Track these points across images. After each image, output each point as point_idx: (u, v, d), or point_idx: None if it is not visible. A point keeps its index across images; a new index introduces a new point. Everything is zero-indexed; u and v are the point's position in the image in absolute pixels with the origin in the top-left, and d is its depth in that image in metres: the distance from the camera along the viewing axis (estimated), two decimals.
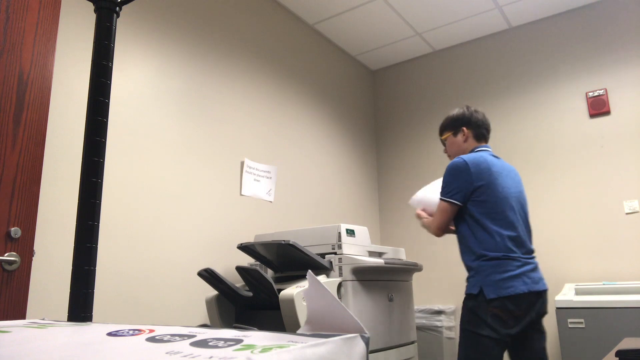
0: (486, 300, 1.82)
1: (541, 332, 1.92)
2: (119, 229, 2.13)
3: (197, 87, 2.66)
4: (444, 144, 2.26)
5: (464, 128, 2.18)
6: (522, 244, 1.92)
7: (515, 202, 2.03)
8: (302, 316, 1.90)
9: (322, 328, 0.37)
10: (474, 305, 1.86)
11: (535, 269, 1.90)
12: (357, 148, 4.02)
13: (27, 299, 1.48)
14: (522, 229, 1.97)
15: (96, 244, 0.73)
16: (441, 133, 2.27)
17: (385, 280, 2.40)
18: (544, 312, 1.90)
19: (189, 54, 2.64)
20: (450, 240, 3.79)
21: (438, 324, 3.34)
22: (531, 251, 1.96)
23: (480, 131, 2.18)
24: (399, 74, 4.31)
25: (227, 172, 2.74)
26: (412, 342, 2.56)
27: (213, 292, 2.27)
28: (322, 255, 2.24)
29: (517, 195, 2.07)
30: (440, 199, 2.00)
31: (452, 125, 2.22)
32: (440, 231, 2.03)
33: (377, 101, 4.41)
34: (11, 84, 1.49)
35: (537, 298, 1.85)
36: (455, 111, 2.25)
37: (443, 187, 2.02)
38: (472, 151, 2.12)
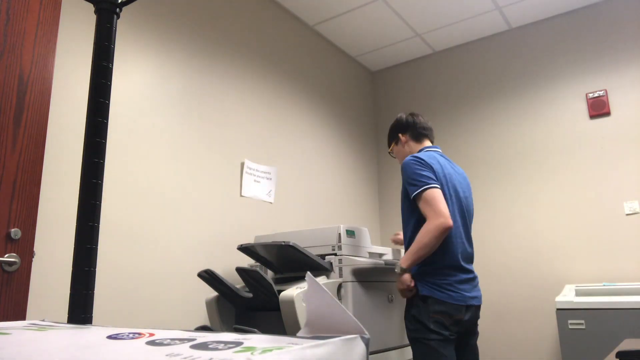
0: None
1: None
2: (119, 230, 2.13)
3: (197, 88, 2.66)
4: (395, 157, 2.30)
5: (400, 135, 2.20)
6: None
7: (465, 206, 2.02)
8: (302, 317, 1.90)
9: (322, 329, 0.37)
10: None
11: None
12: (357, 149, 4.02)
13: (27, 300, 1.48)
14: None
15: (96, 245, 0.73)
16: (389, 147, 2.29)
17: (385, 281, 2.40)
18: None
19: (189, 55, 2.64)
20: None
21: None
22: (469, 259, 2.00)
23: (417, 131, 2.16)
24: (399, 75, 4.31)
25: (227, 173, 2.74)
26: None
27: (213, 293, 2.27)
28: (322, 256, 2.24)
29: (465, 200, 2.05)
30: (421, 191, 1.86)
31: (390, 137, 2.24)
32: (447, 217, 1.81)
33: (377, 102, 4.41)
34: (11, 85, 1.49)
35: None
36: (393, 123, 2.27)
37: (413, 181, 1.91)
38: (419, 151, 2.11)
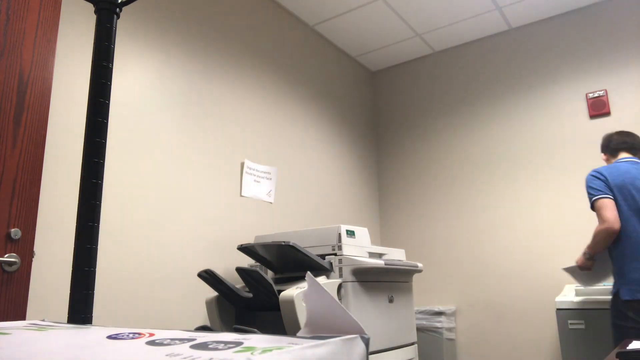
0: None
1: None
2: (119, 230, 2.13)
3: (197, 88, 2.66)
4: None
5: (602, 154, 2.57)
6: None
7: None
8: (302, 317, 1.90)
9: (322, 329, 0.37)
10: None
11: None
12: (357, 149, 4.02)
13: (27, 300, 1.48)
14: None
15: (96, 245, 0.73)
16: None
17: (386, 282, 2.40)
18: None
19: (189, 55, 2.64)
20: (451, 241, 3.81)
21: (438, 325, 3.34)
22: None
23: (611, 149, 2.50)
24: (399, 75, 4.31)
25: (227, 173, 2.74)
26: (412, 344, 2.55)
27: (213, 293, 2.27)
28: (322, 257, 2.24)
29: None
30: (592, 202, 2.31)
31: (603, 148, 2.59)
32: (612, 222, 2.21)
33: (377, 102, 4.41)
34: (11, 85, 1.49)
35: None
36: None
37: (588, 194, 2.35)
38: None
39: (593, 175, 2.37)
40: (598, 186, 2.32)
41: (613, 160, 2.46)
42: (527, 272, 3.38)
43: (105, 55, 0.79)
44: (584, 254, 2.45)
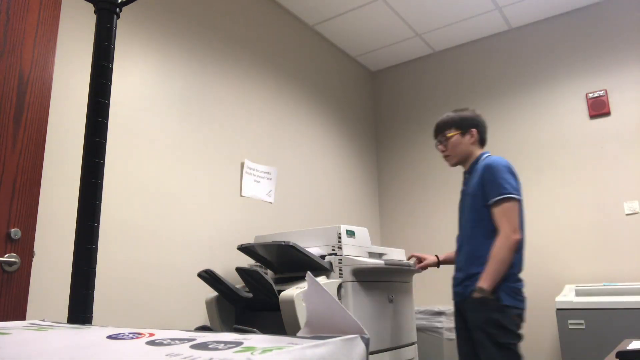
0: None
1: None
2: (119, 230, 2.13)
3: (197, 88, 2.66)
4: (443, 142, 2.16)
5: (474, 130, 2.11)
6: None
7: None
8: (302, 317, 1.90)
9: (322, 329, 0.37)
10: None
11: None
12: (357, 149, 4.02)
13: (27, 300, 1.48)
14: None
15: (96, 245, 0.73)
16: (444, 130, 2.14)
17: (386, 281, 2.40)
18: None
19: (189, 55, 2.64)
20: (451, 241, 3.80)
21: (438, 325, 3.33)
22: None
23: (485, 137, 2.17)
24: (399, 75, 4.31)
25: (227, 173, 2.74)
26: (413, 344, 2.55)
27: (213, 293, 2.27)
28: (322, 256, 2.24)
29: None
30: (507, 197, 1.90)
31: (460, 125, 2.12)
32: (519, 234, 1.93)
33: (377, 102, 4.41)
34: (11, 85, 1.49)
35: None
36: (464, 112, 2.17)
37: (504, 185, 1.91)
38: (480, 155, 2.10)
39: (508, 167, 1.98)
40: (514, 183, 1.95)
41: (482, 149, 2.13)
42: (527, 272, 3.36)
43: (105, 55, 0.79)
44: (480, 289, 1.89)
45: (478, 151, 2.13)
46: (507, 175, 1.94)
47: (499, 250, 1.89)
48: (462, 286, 2.02)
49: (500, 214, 1.91)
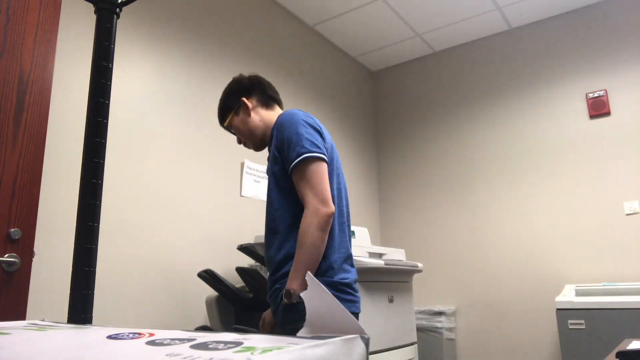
0: None
1: None
2: (119, 230, 2.13)
3: (198, 88, 2.66)
4: (234, 133, 1.67)
5: (243, 98, 1.62)
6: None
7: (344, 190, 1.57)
8: None
9: (322, 329, 0.37)
10: None
11: None
12: (357, 149, 4.02)
13: (27, 300, 1.47)
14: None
15: (96, 245, 0.73)
16: (223, 121, 1.66)
17: (386, 282, 2.40)
18: None
19: (189, 55, 2.64)
20: (451, 241, 3.81)
21: (438, 325, 3.33)
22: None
23: (269, 93, 1.65)
24: (399, 75, 4.31)
25: (227, 173, 2.74)
26: (413, 344, 2.55)
27: (213, 293, 2.27)
28: None
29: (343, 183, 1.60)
30: (307, 157, 1.38)
31: (227, 106, 1.64)
32: (331, 203, 1.38)
33: (377, 102, 4.41)
34: (11, 85, 1.49)
35: None
36: (226, 88, 1.68)
37: (299, 140, 1.40)
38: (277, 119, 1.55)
39: (309, 123, 1.45)
40: (317, 141, 1.43)
41: (275, 110, 1.64)
42: (527, 272, 3.38)
43: (105, 55, 0.79)
44: (288, 293, 1.32)
45: (270, 115, 1.61)
46: (303, 129, 1.42)
47: (305, 232, 1.34)
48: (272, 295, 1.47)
49: (302, 182, 1.38)
